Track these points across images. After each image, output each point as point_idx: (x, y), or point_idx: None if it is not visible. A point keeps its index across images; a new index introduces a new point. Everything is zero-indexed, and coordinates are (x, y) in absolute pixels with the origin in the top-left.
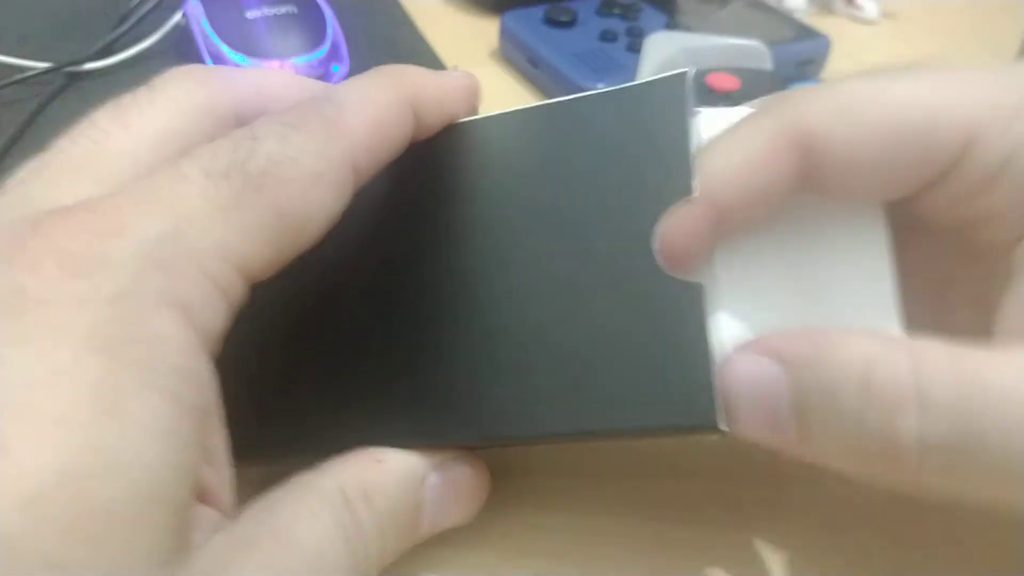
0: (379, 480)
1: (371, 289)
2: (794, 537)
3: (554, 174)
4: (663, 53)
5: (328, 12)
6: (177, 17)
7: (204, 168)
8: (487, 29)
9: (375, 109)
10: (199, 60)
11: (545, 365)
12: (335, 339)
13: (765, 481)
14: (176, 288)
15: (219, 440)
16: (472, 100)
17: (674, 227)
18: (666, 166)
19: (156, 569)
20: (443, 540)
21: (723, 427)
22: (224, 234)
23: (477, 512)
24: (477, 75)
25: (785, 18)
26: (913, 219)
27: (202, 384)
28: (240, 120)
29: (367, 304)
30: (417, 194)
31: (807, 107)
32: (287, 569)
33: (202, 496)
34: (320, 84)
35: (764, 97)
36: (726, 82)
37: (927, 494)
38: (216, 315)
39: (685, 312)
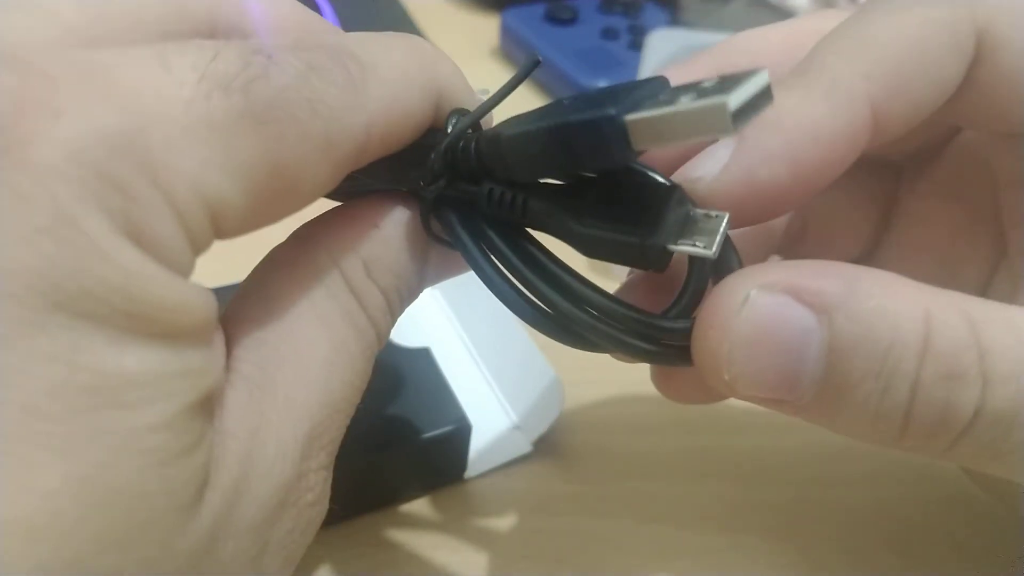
0: (380, 251)
1: None
2: (797, 539)
3: None
4: (665, 51)
5: (326, 8)
6: None
7: (197, 66)
8: (487, 26)
9: (402, 87)
10: None
11: None
12: None
13: (768, 484)
14: (135, 214)
15: None
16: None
17: None
18: None
19: (180, 522)
20: (445, 544)
21: None
22: (206, 159)
23: None
24: (478, 73)
25: (788, 15)
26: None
27: (197, 306)
28: (214, 35)
29: None
30: None
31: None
32: (310, 412)
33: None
34: (323, 23)
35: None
36: None
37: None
38: (183, 259)
39: None
